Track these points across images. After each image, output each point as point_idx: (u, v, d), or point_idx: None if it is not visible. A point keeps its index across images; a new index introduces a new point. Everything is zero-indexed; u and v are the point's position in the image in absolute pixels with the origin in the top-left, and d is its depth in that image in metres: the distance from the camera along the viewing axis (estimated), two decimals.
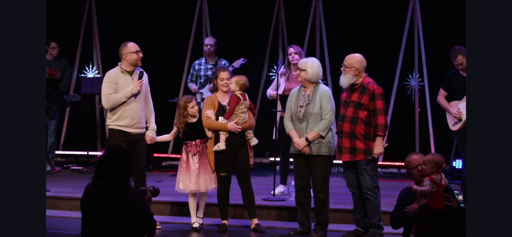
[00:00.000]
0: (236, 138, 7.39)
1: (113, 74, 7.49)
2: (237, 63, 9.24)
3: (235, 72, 8.32)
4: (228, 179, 7.44)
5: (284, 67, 8.98)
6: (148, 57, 10.66)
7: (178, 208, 8.08)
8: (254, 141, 7.48)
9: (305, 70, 7.15)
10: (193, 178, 7.44)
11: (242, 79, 7.50)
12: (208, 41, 10.09)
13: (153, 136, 7.62)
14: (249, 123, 7.48)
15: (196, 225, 7.50)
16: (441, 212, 6.02)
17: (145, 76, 7.59)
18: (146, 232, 4.91)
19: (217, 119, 7.39)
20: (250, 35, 11.24)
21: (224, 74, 7.49)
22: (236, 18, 11.22)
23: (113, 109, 7.45)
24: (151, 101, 7.69)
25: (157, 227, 7.46)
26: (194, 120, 7.52)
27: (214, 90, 7.60)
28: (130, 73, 7.48)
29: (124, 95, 7.39)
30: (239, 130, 7.36)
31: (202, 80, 9.99)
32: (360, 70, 7.03)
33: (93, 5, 11.62)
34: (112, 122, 7.47)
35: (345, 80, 7.06)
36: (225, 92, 7.48)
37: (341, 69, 7.09)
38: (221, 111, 7.42)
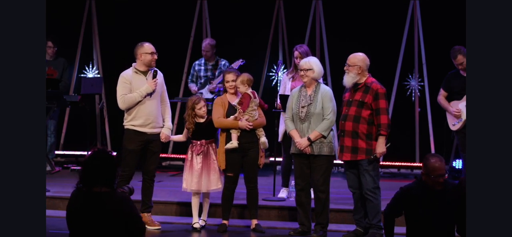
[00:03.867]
0: (247, 137, 7.36)
1: (127, 74, 7.46)
2: (235, 65, 9.23)
3: None
4: (234, 180, 7.42)
5: (284, 68, 8.95)
6: None
7: (181, 208, 8.07)
8: (263, 139, 7.42)
9: (311, 69, 7.14)
10: (195, 177, 7.43)
11: (244, 76, 7.45)
12: (204, 46, 10.02)
13: (168, 134, 7.60)
14: (259, 121, 7.44)
15: (196, 225, 7.49)
16: None
17: (160, 75, 7.57)
18: (135, 235, 4.79)
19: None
20: (250, 35, 11.23)
21: (229, 76, 7.48)
22: (236, 18, 11.21)
23: (128, 109, 7.44)
24: (168, 100, 7.69)
25: (157, 227, 7.47)
26: (202, 120, 7.51)
27: (224, 91, 7.61)
28: (144, 73, 7.45)
29: (138, 94, 7.37)
30: (251, 127, 7.34)
31: (202, 81, 9.98)
32: (363, 69, 7.00)
33: (93, 5, 11.62)
34: (128, 122, 7.47)
35: (348, 79, 7.04)
36: (232, 93, 7.47)
37: (344, 68, 7.06)
38: (231, 111, 7.41)
